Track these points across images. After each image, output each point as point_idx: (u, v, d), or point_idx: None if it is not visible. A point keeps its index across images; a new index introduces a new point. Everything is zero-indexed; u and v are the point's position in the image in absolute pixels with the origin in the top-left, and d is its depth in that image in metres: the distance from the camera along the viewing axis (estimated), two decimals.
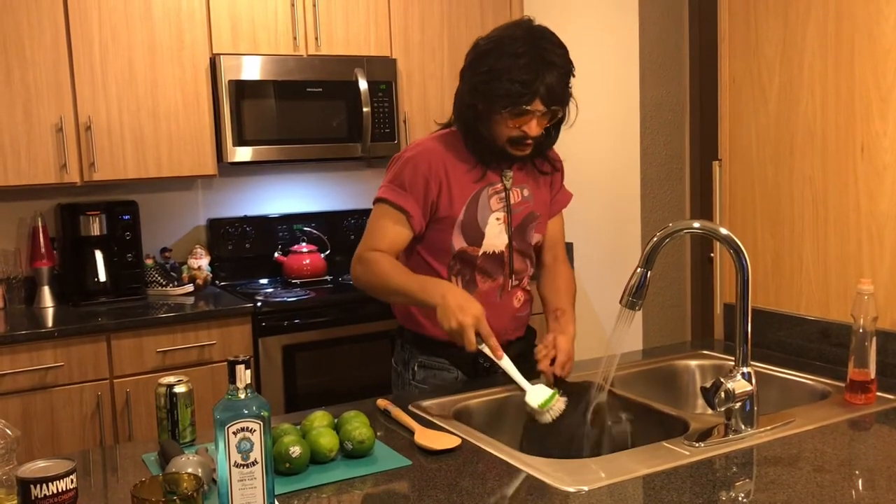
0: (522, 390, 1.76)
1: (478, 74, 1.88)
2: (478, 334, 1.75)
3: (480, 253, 1.97)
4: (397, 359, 2.11)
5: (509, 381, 1.80)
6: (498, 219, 1.98)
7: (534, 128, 1.87)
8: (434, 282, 1.89)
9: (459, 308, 1.76)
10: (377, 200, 1.98)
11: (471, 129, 1.93)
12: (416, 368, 2.03)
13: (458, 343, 1.78)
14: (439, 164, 1.94)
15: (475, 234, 1.96)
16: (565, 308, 2.03)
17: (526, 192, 2.03)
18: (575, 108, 1.93)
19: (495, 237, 1.98)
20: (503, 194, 1.99)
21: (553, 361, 1.88)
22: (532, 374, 1.84)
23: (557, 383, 1.86)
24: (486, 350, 1.77)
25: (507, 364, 1.77)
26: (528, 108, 1.83)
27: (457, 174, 1.95)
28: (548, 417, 1.72)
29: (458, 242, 1.96)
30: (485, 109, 1.89)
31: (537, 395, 1.74)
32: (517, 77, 1.80)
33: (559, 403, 1.73)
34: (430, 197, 1.94)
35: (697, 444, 1.54)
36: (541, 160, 2.05)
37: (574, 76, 1.89)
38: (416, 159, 1.95)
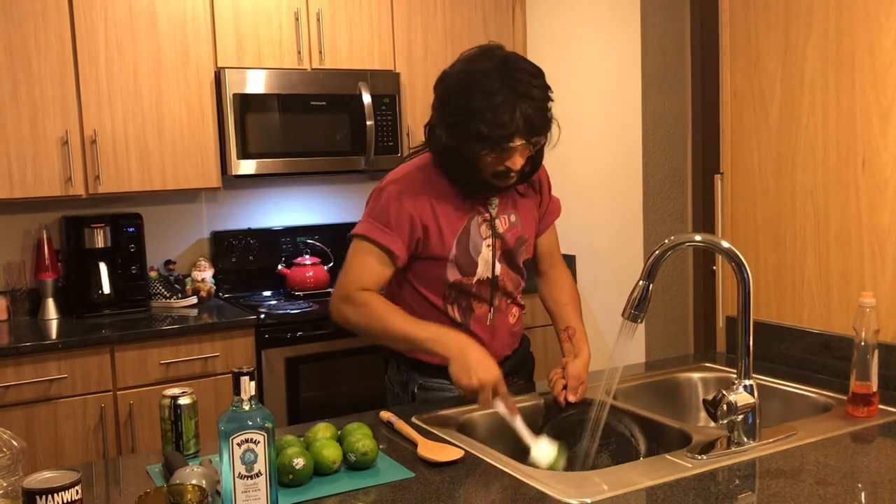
0: (528, 446, 1.70)
1: (452, 115, 1.81)
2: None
3: (475, 281, 1.95)
4: (393, 379, 2.07)
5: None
6: (488, 245, 1.95)
7: (517, 162, 1.81)
8: (445, 331, 1.81)
9: (480, 365, 1.71)
10: (359, 236, 1.91)
11: (451, 168, 1.87)
12: (415, 391, 2.00)
13: (468, 398, 1.76)
14: (425, 202, 1.89)
15: (469, 265, 1.93)
16: (575, 325, 2.02)
17: (513, 218, 1.99)
18: (557, 127, 1.88)
19: (487, 264, 1.95)
20: (490, 222, 1.95)
21: (565, 387, 1.88)
22: (530, 388, 1.84)
23: (570, 406, 1.87)
24: (500, 408, 1.73)
25: (518, 424, 1.72)
26: (510, 145, 1.77)
27: (443, 209, 1.90)
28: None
29: (453, 275, 1.93)
30: (463, 150, 1.81)
31: (543, 452, 1.68)
32: (494, 118, 1.73)
33: (563, 461, 1.68)
34: (416, 235, 1.89)
35: (700, 457, 1.54)
36: (522, 185, 2.00)
37: (552, 100, 1.83)
38: (401, 196, 1.88)
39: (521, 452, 1.75)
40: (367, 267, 1.90)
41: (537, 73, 1.81)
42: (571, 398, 1.86)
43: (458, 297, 1.96)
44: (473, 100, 1.76)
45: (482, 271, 1.95)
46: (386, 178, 1.96)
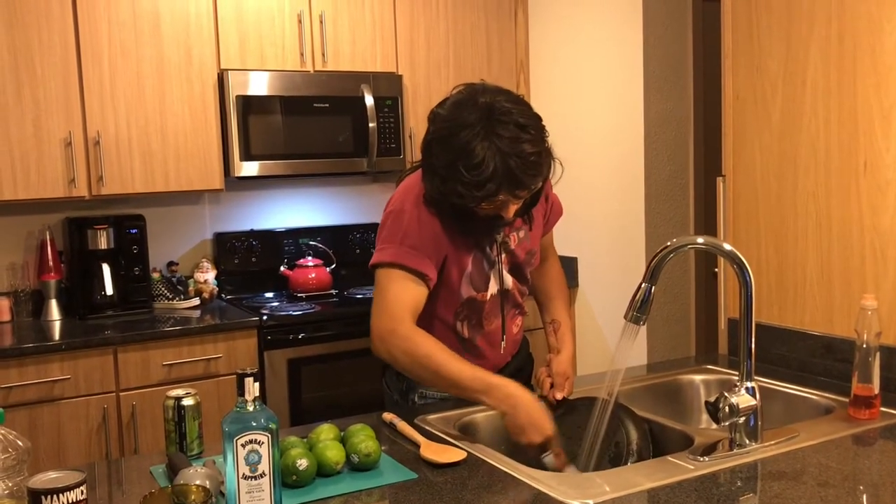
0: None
1: (437, 167, 1.74)
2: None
3: (488, 297, 1.93)
4: (392, 386, 2.06)
5: None
6: (500, 262, 1.94)
7: (510, 210, 1.75)
8: (496, 384, 1.72)
9: (532, 427, 1.67)
10: (388, 264, 1.81)
11: (447, 213, 1.81)
12: (415, 399, 2.00)
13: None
14: (442, 220, 1.83)
15: (482, 282, 1.91)
16: (561, 318, 2.04)
17: (522, 234, 1.98)
18: (560, 165, 1.79)
19: (497, 280, 1.94)
20: (498, 241, 1.93)
21: (552, 385, 1.89)
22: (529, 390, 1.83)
23: (561, 403, 1.87)
24: (550, 462, 1.70)
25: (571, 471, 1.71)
26: (496, 199, 1.71)
27: (458, 228, 1.85)
28: None
29: (467, 291, 1.90)
30: (452, 200, 1.75)
31: None
32: (472, 179, 1.66)
33: None
34: (441, 254, 1.84)
35: (702, 459, 1.55)
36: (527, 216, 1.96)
37: (547, 145, 1.73)
38: (421, 215, 1.81)
39: (522, 454, 1.76)
40: (404, 296, 1.80)
41: (527, 125, 1.69)
42: (559, 395, 1.86)
43: (469, 315, 1.94)
44: (454, 155, 1.68)
45: (493, 286, 1.94)
46: (399, 198, 1.86)
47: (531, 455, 1.70)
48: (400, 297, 1.79)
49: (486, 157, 1.65)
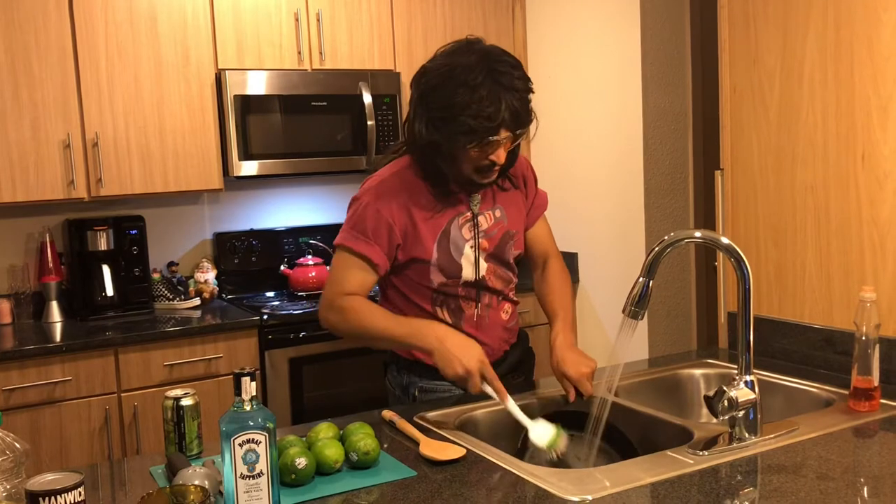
0: (525, 428, 1.73)
1: (434, 110, 1.79)
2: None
3: (461, 283, 1.95)
4: (394, 382, 2.07)
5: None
6: (472, 247, 1.94)
7: (502, 155, 1.82)
8: (424, 325, 1.86)
9: (462, 352, 1.76)
10: (340, 247, 1.94)
11: (431, 166, 1.87)
12: (416, 394, 2.01)
13: (459, 385, 1.79)
14: (402, 208, 1.89)
15: (453, 268, 1.93)
16: (558, 316, 2.02)
17: (498, 213, 1.99)
18: (535, 120, 1.87)
19: (471, 264, 1.94)
20: (473, 220, 1.95)
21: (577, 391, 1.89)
22: (529, 385, 1.85)
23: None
24: (490, 391, 1.76)
25: (510, 406, 1.75)
26: (496, 138, 1.77)
27: (421, 214, 1.90)
28: (553, 455, 1.69)
29: (437, 278, 1.93)
30: (447, 145, 1.81)
31: (541, 433, 1.71)
32: (480, 111, 1.73)
33: (563, 440, 1.70)
34: (395, 241, 1.90)
35: (702, 453, 1.55)
36: (502, 178, 1.99)
37: (533, 92, 1.82)
38: (377, 204, 1.89)
39: (523, 450, 1.76)
40: (350, 276, 1.92)
41: (517, 65, 1.81)
42: (585, 394, 1.86)
43: (446, 300, 1.96)
44: (457, 94, 1.75)
45: (467, 273, 1.94)
46: (363, 185, 1.97)
47: (474, 391, 1.75)
48: (345, 275, 1.93)
49: (492, 93, 1.73)
